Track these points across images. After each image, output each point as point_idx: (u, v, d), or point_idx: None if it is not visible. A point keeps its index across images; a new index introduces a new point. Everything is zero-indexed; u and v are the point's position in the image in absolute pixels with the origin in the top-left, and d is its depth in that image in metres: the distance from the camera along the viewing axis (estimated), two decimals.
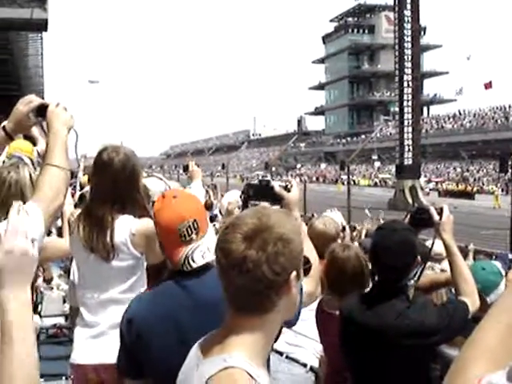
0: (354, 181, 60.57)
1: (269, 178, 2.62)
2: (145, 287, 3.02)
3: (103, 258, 2.95)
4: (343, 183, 53.75)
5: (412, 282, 2.78)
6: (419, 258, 2.77)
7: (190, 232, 2.11)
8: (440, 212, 3.00)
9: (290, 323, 2.06)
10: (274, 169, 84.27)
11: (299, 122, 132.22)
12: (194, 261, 2.10)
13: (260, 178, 2.62)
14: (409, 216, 3.12)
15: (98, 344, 2.95)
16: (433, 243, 3.11)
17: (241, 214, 1.59)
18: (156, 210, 2.21)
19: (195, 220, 2.11)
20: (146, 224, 2.96)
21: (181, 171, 5.20)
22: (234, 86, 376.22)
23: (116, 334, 2.83)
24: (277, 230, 1.47)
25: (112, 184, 2.96)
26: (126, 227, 2.96)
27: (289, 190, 2.54)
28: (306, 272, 2.15)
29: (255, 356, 1.46)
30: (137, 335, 2.10)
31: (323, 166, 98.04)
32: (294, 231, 1.53)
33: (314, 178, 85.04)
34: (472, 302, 2.73)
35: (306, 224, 4.33)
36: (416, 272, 2.81)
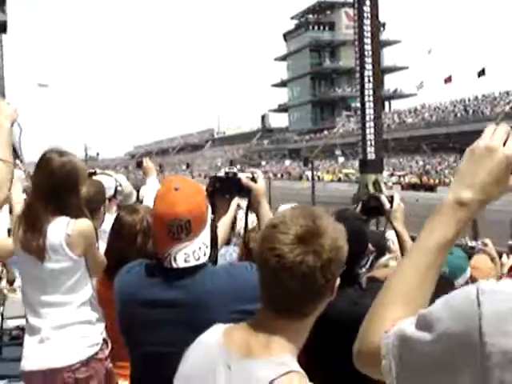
0: (318, 176, 60.81)
1: (235, 170, 2.58)
2: (89, 288, 3.01)
3: (38, 259, 2.90)
4: (308, 179, 53.92)
5: (364, 270, 2.83)
6: (370, 246, 2.84)
7: (179, 230, 2.02)
8: (391, 200, 3.04)
9: None
10: (238, 166, 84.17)
11: (263, 119, 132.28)
12: (175, 261, 2.03)
13: (226, 170, 2.58)
14: (360, 204, 3.15)
15: (43, 349, 2.94)
16: (384, 231, 3.16)
17: (289, 213, 1.51)
18: (155, 197, 2.12)
19: (189, 220, 2.01)
20: (83, 224, 2.97)
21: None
22: (197, 85, 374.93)
23: (59, 337, 2.95)
24: (332, 236, 1.47)
25: (48, 184, 2.93)
26: (61, 228, 2.92)
27: (255, 181, 2.52)
28: None
29: (296, 359, 1.47)
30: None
31: (287, 162, 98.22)
32: (344, 237, 1.53)
33: (279, 175, 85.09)
34: None
35: None
36: (367, 260, 2.87)
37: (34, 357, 2.95)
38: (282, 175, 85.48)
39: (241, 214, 3.39)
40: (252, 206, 2.54)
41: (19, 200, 3.37)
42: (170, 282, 2.04)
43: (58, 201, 2.94)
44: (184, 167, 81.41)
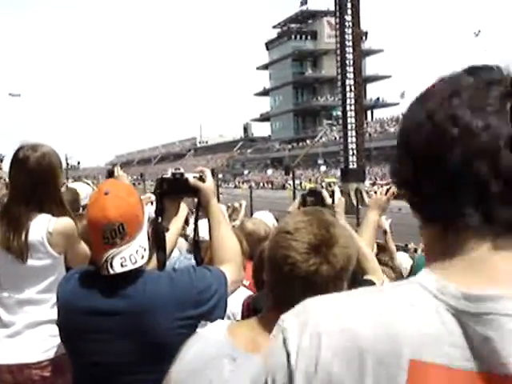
0: (300, 185, 60.82)
1: (182, 170, 2.47)
2: None
3: (18, 257, 2.89)
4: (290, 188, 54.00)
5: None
6: None
7: (113, 235, 1.95)
8: (332, 194, 3.00)
9: (219, 316, 1.97)
10: (220, 176, 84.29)
11: (245, 128, 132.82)
12: (112, 267, 1.95)
13: (173, 170, 2.47)
14: (301, 198, 3.13)
15: (12, 344, 2.90)
16: None
17: (302, 219, 1.52)
18: (88, 203, 2.09)
19: (122, 224, 1.95)
20: (65, 223, 2.97)
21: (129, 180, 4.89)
22: (178, 94, 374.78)
23: (32, 334, 2.93)
24: (344, 244, 1.48)
25: (27, 182, 2.91)
26: (42, 226, 2.90)
27: (204, 180, 2.43)
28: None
29: None
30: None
31: (270, 171, 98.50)
32: (353, 244, 1.56)
33: (262, 184, 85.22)
34: (377, 278, 2.76)
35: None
36: None
37: (2, 350, 2.91)
38: (263, 184, 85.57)
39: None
40: (201, 206, 2.47)
41: None
42: (110, 290, 1.99)
43: (39, 197, 2.94)
44: None
